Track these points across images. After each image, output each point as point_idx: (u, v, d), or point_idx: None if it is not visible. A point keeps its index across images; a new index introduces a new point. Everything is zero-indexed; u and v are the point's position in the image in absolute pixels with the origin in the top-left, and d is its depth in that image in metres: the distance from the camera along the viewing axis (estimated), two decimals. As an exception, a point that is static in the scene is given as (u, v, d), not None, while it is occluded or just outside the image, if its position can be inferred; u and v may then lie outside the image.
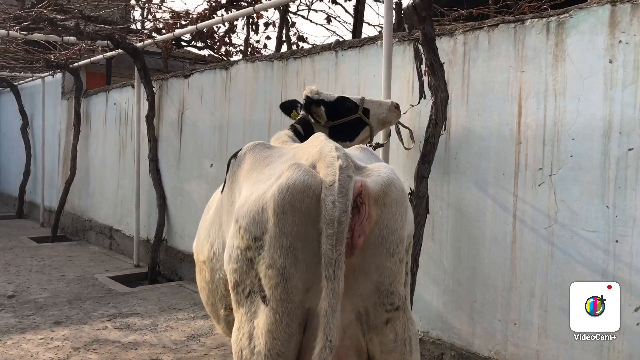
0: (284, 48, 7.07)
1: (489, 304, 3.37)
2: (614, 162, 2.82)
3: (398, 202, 1.60)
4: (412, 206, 3.10)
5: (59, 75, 9.64)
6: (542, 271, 3.11)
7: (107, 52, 7.38)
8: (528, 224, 3.19)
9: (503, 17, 3.43)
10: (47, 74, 9.81)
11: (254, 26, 7.25)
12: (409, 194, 3.34)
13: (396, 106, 3.33)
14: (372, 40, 4.18)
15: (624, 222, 2.80)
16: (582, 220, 2.95)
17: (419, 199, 3.38)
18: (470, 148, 3.49)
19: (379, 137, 3.67)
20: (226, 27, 7.64)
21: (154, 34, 7.73)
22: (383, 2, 6.86)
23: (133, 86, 7.41)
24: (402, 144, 3.73)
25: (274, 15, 8.85)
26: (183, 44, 8.70)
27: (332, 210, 1.47)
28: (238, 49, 8.33)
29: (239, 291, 1.73)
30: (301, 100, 3.12)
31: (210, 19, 7.23)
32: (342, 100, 3.09)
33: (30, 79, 10.63)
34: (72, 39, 6.80)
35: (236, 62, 5.71)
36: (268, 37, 7.65)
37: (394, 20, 4.17)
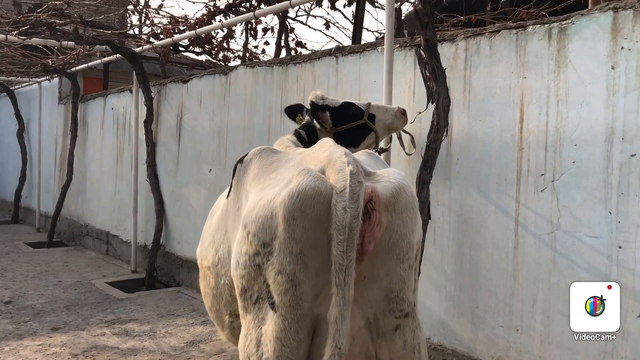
0: (283, 54, 7.07)
1: (491, 309, 3.36)
2: (617, 168, 2.83)
3: (408, 208, 1.59)
4: (414, 212, 3.09)
5: (55, 80, 9.60)
6: (545, 277, 3.11)
7: (105, 57, 7.37)
8: (530, 230, 3.19)
9: (504, 24, 3.44)
10: (44, 78, 9.79)
11: (252, 32, 7.26)
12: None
13: (402, 112, 3.31)
14: (373, 46, 4.18)
15: (626, 228, 2.80)
16: (584, 226, 2.95)
17: (421, 205, 3.37)
18: (471, 154, 3.49)
19: (381, 142, 3.66)
20: (224, 33, 7.63)
21: (151, 39, 7.72)
22: (382, 9, 6.90)
23: (131, 91, 7.39)
24: (404, 149, 3.73)
25: (272, 20, 8.87)
26: (181, 49, 8.69)
27: (343, 217, 1.46)
28: (236, 54, 8.33)
29: (247, 297, 1.71)
30: (307, 105, 3.11)
31: (208, 24, 7.23)
32: (347, 106, 3.08)
33: (27, 83, 10.59)
34: (70, 43, 6.79)
35: (235, 67, 5.71)
36: (266, 43, 7.66)
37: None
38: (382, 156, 3.68)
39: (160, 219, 6.61)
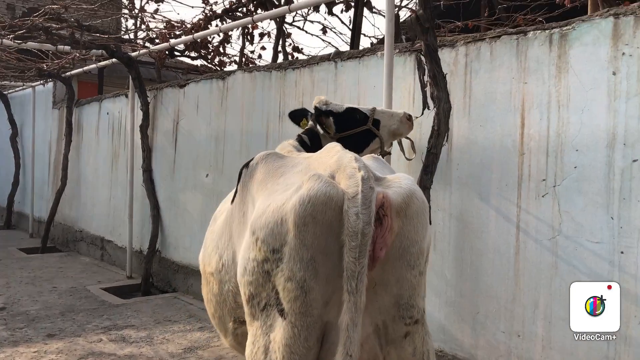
0: (280, 59, 7.06)
1: (492, 315, 3.35)
2: (619, 174, 2.83)
3: (419, 214, 1.58)
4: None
5: (50, 84, 9.55)
6: (546, 282, 3.11)
7: (100, 61, 7.33)
8: (532, 235, 3.19)
9: (505, 29, 3.45)
10: (37, 83, 9.73)
11: (249, 36, 7.25)
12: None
13: (408, 117, 3.27)
14: (372, 51, 4.18)
15: (629, 233, 2.80)
16: (586, 232, 2.95)
17: (422, 210, 3.36)
18: (472, 159, 3.48)
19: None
20: (221, 37, 7.62)
21: (147, 44, 7.69)
22: (380, 14, 6.91)
23: (127, 96, 7.36)
24: (404, 154, 3.72)
25: (269, 25, 8.85)
26: (176, 53, 8.66)
27: (355, 222, 1.45)
28: (232, 59, 8.31)
29: (254, 304, 1.69)
30: (311, 109, 3.09)
31: (205, 29, 7.21)
32: (351, 111, 3.06)
33: (20, 88, 10.53)
34: (66, 48, 6.75)
35: (233, 72, 5.69)
36: (263, 48, 7.65)
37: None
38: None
39: (156, 225, 6.57)
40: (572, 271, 3.00)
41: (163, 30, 7.52)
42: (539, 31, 3.19)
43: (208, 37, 7.59)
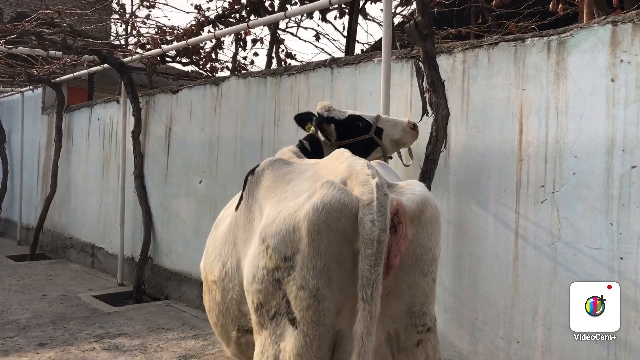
0: (274, 65, 7.05)
1: (491, 321, 3.35)
2: (618, 180, 2.85)
3: (433, 221, 1.57)
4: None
5: (39, 90, 9.46)
6: (546, 288, 3.11)
7: (91, 66, 7.27)
8: (530, 241, 3.19)
9: (502, 36, 3.46)
10: (26, 88, 9.63)
11: (241, 42, 7.23)
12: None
13: (413, 126, 3.22)
14: (369, 57, 4.18)
15: (628, 239, 2.81)
16: (585, 238, 2.96)
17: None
18: (470, 165, 3.49)
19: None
20: (213, 43, 7.59)
21: (138, 50, 7.65)
22: (373, 21, 6.92)
23: (118, 101, 7.31)
24: (401, 160, 3.72)
25: (262, 31, 8.84)
26: (167, 59, 8.62)
27: (371, 230, 1.43)
28: (224, 65, 8.29)
29: (263, 313, 1.67)
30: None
31: (197, 34, 7.19)
32: (354, 119, 3.01)
33: (9, 93, 10.41)
34: (57, 53, 6.69)
35: (227, 77, 5.67)
36: (256, 54, 7.62)
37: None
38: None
39: (148, 231, 6.51)
40: (571, 277, 3.00)
41: (155, 36, 7.47)
42: (537, 38, 3.21)
43: (200, 43, 7.56)
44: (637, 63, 2.80)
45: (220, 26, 7.19)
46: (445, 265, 3.59)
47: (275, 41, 6.70)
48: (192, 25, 7.25)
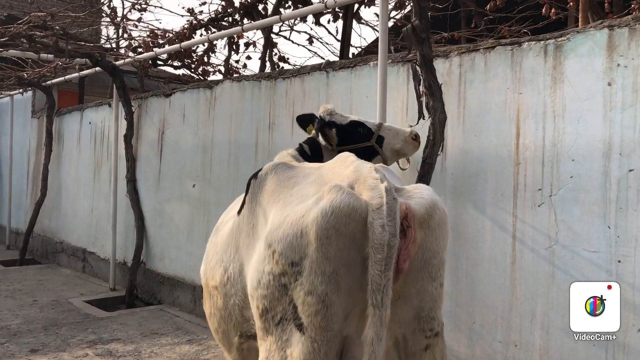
0: (268, 68, 7.03)
1: (489, 325, 3.35)
2: (615, 183, 2.86)
3: (441, 225, 1.57)
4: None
5: (29, 93, 9.38)
6: (544, 292, 3.12)
7: (83, 70, 7.21)
8: (528, 245, 3.20)
9: (498, 40, 3.47)
10: (16, 92, 9.54)
11: (234, 46, 7.20)
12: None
13: (414, 137, 3.18)
14: (364, 61, 4.18)
15: (625, 242, 2.83)
16: (583, 241, 2.97)
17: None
18: (467, 169, 3.50)
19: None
20: (205, 47, 7.57)
21: (130, 53, 7.60)
22: (367, 25, 6.93)
23: (110, 105, 7.26)
24: (398, 164, 3.71)
25: (254, 35, 8.81)
26: (159, 62, 8.58)
27: (381, 235, 1.42)
28: (216, 68, 8.25)
29: (268, 318, 1.65)
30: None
31: (189, 38, 7.15)
32: (356, 125, 2.97)
33: (-2, 97, 10.32)
34: (47, 56, 6.63)
35: (221, 81, 5.65)
36: (249, 57, 7.62)
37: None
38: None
39: (141, 236, 6.46)
40: (569, 280, 3.00)
41: (147, 39, 7.43)
42: (534, 42, 3.22)
43: (192, 46, 7.52)
44: (633, 67, 2.82)
45: (213, 29, 7.17)
46: (442, 269, 3.58)
47: (269, 45, 6.69)
48: (184, 28, 7.21)
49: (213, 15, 7.15)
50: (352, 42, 5.97)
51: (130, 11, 8.30)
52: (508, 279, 3.28)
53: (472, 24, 6.18)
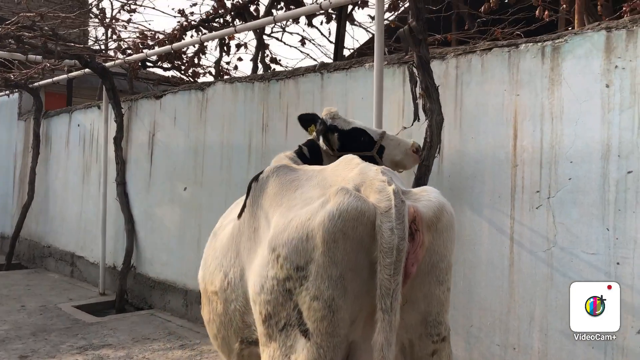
0: (260, 70, 6.99)
1: (487, 328, 3.33)
2: (614, 185, 2.85)
3: (449, 228, 1.54)
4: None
5: (15, 95, 9.25)
6: (542, 294, 3.10)
7: (71, 71, 7.12)
8: (526, 247, 3.19)
9: (495, 42, 3.46)
10: (2, 93, 9.41)
11: (225, 47, 7.15)
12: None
13: (416, 150, 3.14)
14: (360, 62, 4.15)
15: (624, 244, 2.82)
16: (582, 243, 2.96)
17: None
18: (464, 171, 3.48)
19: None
20: (196, 48, 7.51)
21: (119, 55, 7.52)
22: (360, 26, 6.92)
23: (99, 107, 7.18)
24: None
25: (246, 37, 8.78)
26: (149, 64, 8.50)
27: (390, 238, 1.39)
28: (207, 70, 8.20)
29: (271, 324, 1.61)
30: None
31: (180, 39, 7.09)
32: (358, 133, 2.91)
33: (-17, 98, 10.17)
34: (36, 57, 6.53)
35: (213, 82, 5.60)
36: (240, 59, 7.57)
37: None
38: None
39: (131, 239, 6.38)
40: (568, 283, 2.99)
41: (136, 40, 7.36)
42: (531, 44, 3.21)
43: (183, 48, 7.46)
44: (631, 69, 2.82)
45: (204, 31, 7.11)
46: (439, 272, 3.56)
47: (262, 46, 6.64)
48: (175, 29, 7.15)
49: (204, 17, 7.09)
50: (345, 44, 5.95)
51: (119, 12, 8.19)
52: (506, 282, 3.26)
53: (464, 27, 6.18)
